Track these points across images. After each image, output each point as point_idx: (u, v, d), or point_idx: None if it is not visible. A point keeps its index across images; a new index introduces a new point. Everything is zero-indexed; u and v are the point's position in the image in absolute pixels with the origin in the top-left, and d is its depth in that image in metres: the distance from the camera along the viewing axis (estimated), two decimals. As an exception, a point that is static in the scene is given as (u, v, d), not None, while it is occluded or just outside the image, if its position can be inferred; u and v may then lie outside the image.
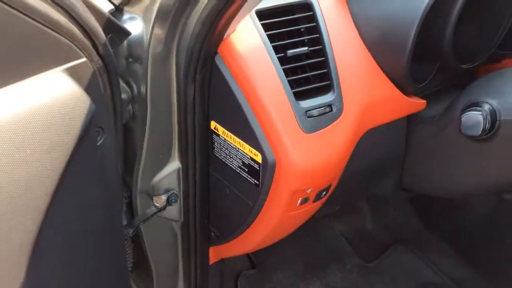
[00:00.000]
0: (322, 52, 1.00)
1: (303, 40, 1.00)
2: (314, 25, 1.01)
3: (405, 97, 1.08)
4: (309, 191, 0.99)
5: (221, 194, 1.11)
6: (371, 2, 1.03)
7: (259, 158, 0.96)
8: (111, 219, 0.95)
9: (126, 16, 0.97)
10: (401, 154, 1.22)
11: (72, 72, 0.74)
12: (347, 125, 0.99)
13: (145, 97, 1.00)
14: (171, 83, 0.98)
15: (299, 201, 1.00)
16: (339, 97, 0.98)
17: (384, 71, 1.04)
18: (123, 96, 1.01)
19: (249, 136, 0.95)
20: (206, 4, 0.85)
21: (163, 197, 1.13)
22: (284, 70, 0.95)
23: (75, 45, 0.73)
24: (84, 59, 0.75)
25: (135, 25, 0.96)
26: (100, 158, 0.86)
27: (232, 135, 0.99)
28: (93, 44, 0.78)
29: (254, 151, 0.96)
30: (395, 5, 1.00)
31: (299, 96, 0.96)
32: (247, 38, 0.95)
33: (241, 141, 0.98)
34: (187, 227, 1.17)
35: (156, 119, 1.03)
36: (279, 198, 0.99)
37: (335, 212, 1.75)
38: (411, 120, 1.18)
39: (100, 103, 0.82)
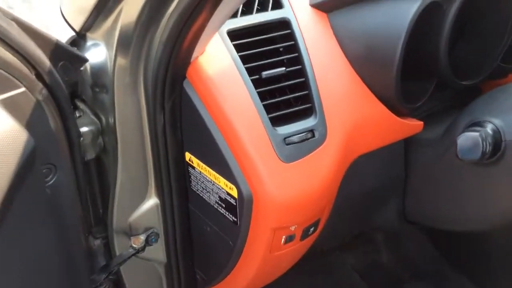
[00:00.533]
0: (301, 73, 0.91)
1: (282, 60, 0.91)
2: (293, 44, 0.92)
3: (398, 118, 0.97)
4: (293, 228, 0.89)
5: (202, 232, 1.01)
6: (353, 15, 0.95)
7: (234, 193, 0.86)
8: (70, 266, 0.86)
9: (89, 43, 0.91)
10: (401, 182, 1.11)
11: (8, 104, 0.66)
12: (331, 151, 0.89)
13: (114, 129, 0.93)
14: (141, 113, 0.90)
15: (283, 239, 0.90)
16: (322, 121, 0.89)
17: (372, 90, 0.95)
18: (91, 128, 0.94)
19: (223, 168, 0.86)
20: (166, 23, 0.77)
21: (142, 237, 1.04)
22: (260, 93, 0.87)
23: (9, 73, 0.66)
24: (22, 89, 0.68)
25: (98, 52, 0.89)
26: (52, 198, 0.78)
27: (207, 167, 0.90)
28: (37, 73, 0.71)
29: (229, 184, 0.86)
30: (379, 18, 0.91)
31: (277, 121, 0.87)
32: (217, 60, 0.87)
33: (216, 173, 0.89)
34: (171, 269, 1.07)
35: (127, 152, 0.95)
36: (260, 236, 0.88)
37: (347, 244, 1.62)
38: (408, 144, 1.07)
39: (47, 138, 0.74)
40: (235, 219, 0.89)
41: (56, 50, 0.75)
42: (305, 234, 0.92)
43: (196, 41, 0.80)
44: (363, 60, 0.93)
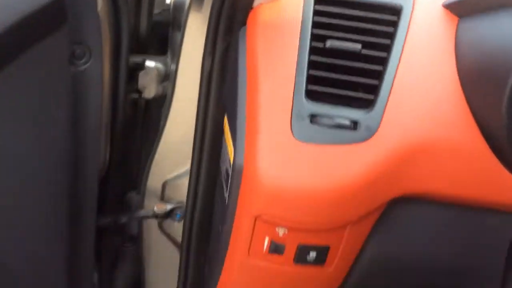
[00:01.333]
0: (383, 60, 0.70)
1: (369, 42, 0.72)
2: (391, 31, 0.72)
3: (504, 169, 0.65)
4: (281, 231, 0.66)
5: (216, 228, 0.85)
6: (488, 21, 0.69)
7: (231, 158, 0.70)
8: (80, 189, 0.79)
9: None
10: (492, 275, 0.72)
11: None
12: (371, 155, 0.64)
13: (174, 77, 0.88)
14: None
15: (266, 242, 0.68)
16: (377, 117, 0.66)
17: (474, 114, 0.66)
18: (159, 65, 0.91)
19: (234, 127, 0.71)
20: None
21: (168, 206, 0.95)
22: (313, 62, 0.70)
23: None
24: None
25: None
26: (77, 85, 0.72)
27: (228, 132, 0.76)
28: None
29: (231, 147, 0.71)
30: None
31: (317, 96, 0.68)
32: (283, 14, 0.74)
33: (229, 135, 0.74)
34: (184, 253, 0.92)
35: (179, 106, 0.89)
36: (242, 224, 0.69)
37: None
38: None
39: (87, 12, 0.71)
40: (226, 196, 0.72)
41: None
42: (301, 257, 0.68)
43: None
44: (475, 76, 0.67)
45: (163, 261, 1.00)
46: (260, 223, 0.66)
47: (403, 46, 0.70)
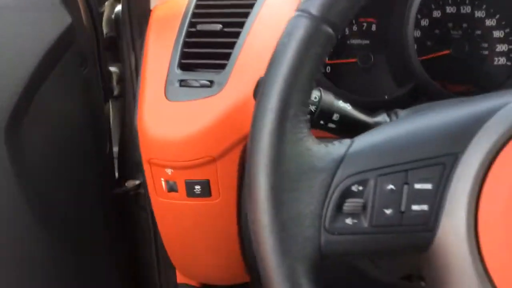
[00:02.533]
0: (237, 34, 0.90)
1: (229, 22, 0.92)
2: (248, 12, 0.92)
3: None
4: (169, 172, 0.87)
5: None
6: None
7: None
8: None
9: None
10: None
11: None
12: (220, 105, 0.84)
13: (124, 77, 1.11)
14: None
15: (163, 183, 0.89)
16: (226, 75, 0.86)
17: None
18: (116, 69, 1.15)
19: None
20: None
21: (136, 182, 1.17)
22: (187, 43, 0.91)
23: None
24: None
25: None
26: (85, 84, 0.96)
27: None
28: None
29: None
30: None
31: (187, 67, 0.89)
32: (171, 11, 0.97)
33: None
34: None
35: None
36: (146, 170, 0.91)
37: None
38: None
39: (80, 29, 0.94)
40: None
41: None
42: (191, 191, 0.88)
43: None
44: None
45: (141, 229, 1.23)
46: (154, 167, 0.88)
47: (253, 22, 0.90)
